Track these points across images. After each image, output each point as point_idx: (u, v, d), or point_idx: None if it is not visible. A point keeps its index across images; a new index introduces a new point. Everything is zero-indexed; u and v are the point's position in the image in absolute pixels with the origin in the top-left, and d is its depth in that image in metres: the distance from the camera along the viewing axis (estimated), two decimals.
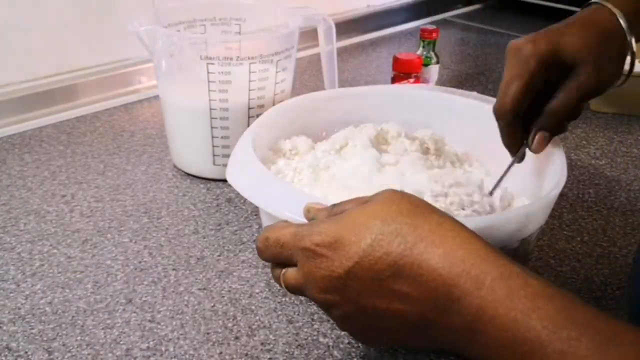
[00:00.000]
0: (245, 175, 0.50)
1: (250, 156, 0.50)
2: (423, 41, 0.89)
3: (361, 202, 0.38)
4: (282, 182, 0.48)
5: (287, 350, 0.46)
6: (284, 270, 0.40)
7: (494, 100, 0.63)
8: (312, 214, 0.41)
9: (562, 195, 0.69)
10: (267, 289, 0.52)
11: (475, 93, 0.65)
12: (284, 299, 0.51)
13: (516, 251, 0.46)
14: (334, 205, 0.40)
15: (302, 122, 0.62)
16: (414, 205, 0.35)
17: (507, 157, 0.59)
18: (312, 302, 0.48)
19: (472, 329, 0.31)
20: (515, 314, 0.30)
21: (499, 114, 0.50)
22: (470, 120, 0.62)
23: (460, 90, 0.66)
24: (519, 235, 0.46)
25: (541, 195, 0.52)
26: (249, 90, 0.64)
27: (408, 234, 0.33)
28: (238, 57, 0.62)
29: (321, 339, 0.47)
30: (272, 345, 0.46)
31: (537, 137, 0.50)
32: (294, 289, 0.39)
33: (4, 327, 0.47)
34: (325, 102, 0.65)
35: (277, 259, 0.40)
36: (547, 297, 0.30)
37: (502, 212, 0.51)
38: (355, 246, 0.34)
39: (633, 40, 0.48)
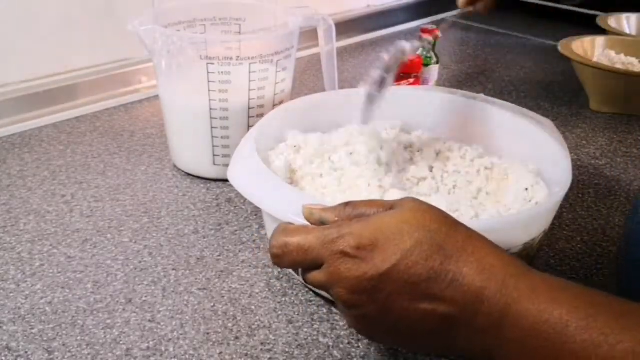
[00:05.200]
0: (247, 175, 0.50)
1: (253, 156, 0.50)
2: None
3: (382, 206, 0.38)
4: (284, 183, 0.48)
5: (287, 350, 0.46)
6: (302, 271, 0.39)
7: (501, 102, 0.63)
8: (318, 216, 0.40)
9: None
10: (267, 289, 0.52)
11: (482, 95, 0.64)
12: (283, 299, 0.51)
13: (519, 255, 0.46)
14: (345, 205, 0.40)
15: (307, 123, 0.62)
16: (443, 215, 0.37)
17: (513, 157, 0.59)
18: (311, 300, 0.48)
19: (498, 326, 0.33)
20: (540, 304, 0.32)
21: None
22: (474, 121, 0.62)
23: (461, 91, 0.66)
24: (522, 239, 0.45)
25: (545, 199, 0.52)
26: (249, 90, 0.64)
27: (446, 242, 0.35)
28: (238, 57, 0.62)
29: (321, 339, 0.47)
30: (272, 345, 0.46)
31: None
32: (317, 287, 0.39)
33: (4, 327, 0.47)
34: (330, 103, 0.65)
35: (299, 264, 0.39)
36: (564, 287, 0.34)
37: (506, 216, 0.51)
38: (395, 249, 0.35)
39: None
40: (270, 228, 0.51)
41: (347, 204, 0.40)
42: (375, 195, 0.51)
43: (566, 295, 0.33)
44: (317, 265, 0.38)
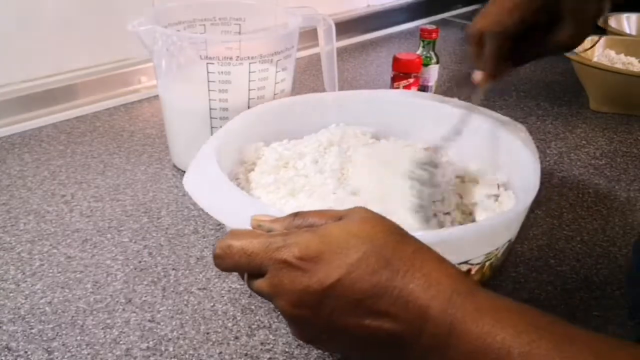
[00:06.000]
0: (203, 183, 0.48)
1: (212, 165, 0.48)
2: (423, 41, 0.89)
3: (332, 216, 0.37)
4: (241, 192, 0.46)
5: (287, 350, 0.46)
6: (247, 277, 0.38)
7: (474, 106, 0.61)
8: (267, 228, 0.38)
9: (561, 195, 0.70)
10: None
11: (455, 100, 0.63)
12: None
13: (481, 266, 0.45)
14: (294, 216, 0.38)
15: (272, 129, 0.60)
16: (393, 227, 0.36)
17: (484, 163, 0.58)
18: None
19: (444, 345, 0.32)
20: (483, 326, 0.31)
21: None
22: (447, 126, 0.61)
23: (433, 95, 0.65)
24: (483, 249, 0.44)
25: (509, 208, 0.50)
26: (249, 90, 0.64)
27: (393, 256, 0.34)
28: (238, 57, 0.62)
29: None
30: (272, 345, 0.46)
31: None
32: (260, 295, 0.38)
33: (4, 327, 0.47)
34: (297, 108, 0.63)
35: (241, 268, 0.37)
36: (509, 308, 0.33)
37: (466, 226, 0.49)
38: (340, 262, 0.34)
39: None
40: None
41: (296, 214, 0.38)
42: (334, 204, 0.50)
43: (511, 317, 0.32)
44: (260, 273, 0.36)
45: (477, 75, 0.55)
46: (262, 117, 0.60)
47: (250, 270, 0.37)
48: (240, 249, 0.36)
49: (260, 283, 0.36)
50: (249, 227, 0.39)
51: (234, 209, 0.44)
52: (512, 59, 0.55)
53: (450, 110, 0.61)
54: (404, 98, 0.67)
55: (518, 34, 0.53)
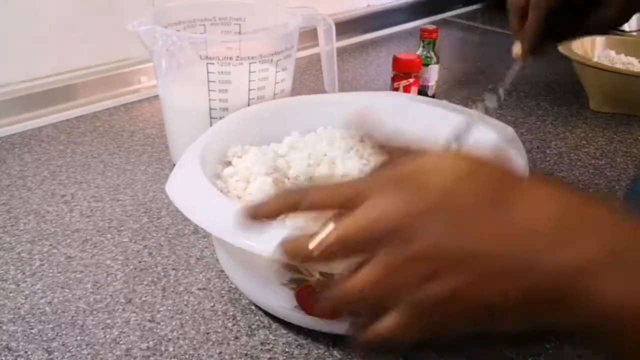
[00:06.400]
0: (187, 189, 0.46)
1: (197, 170, 0.47)
2: (423, 41, 0.89)
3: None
4: (227, 198, 0.45)
5: (287, 350, 0.46)
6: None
7: (461, 108, 0.60)
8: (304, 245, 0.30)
9: None
10: None
11: (444, 101, 0.63)
12: None
13: None
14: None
15: (257, 132, 0.59)
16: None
17: None
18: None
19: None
20: None
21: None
22: (433, 128, 0.60)
23: (421, 97, 0.64)
24: None
25: None
26: (249, 90, 0.64)
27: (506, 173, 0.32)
28: (238, 57, 0.62)
29: (321, 339, 0.47)
30: (272, 345, 0.46)
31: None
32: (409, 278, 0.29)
33: (4, 327, 0.47)
34: (282, 111, 0.62)
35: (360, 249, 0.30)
36: None
37: None
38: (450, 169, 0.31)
39: None
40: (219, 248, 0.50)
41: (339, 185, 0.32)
42: None
43: None
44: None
45: (516, 49, 0.53)
46: (249, 119, 0.59)
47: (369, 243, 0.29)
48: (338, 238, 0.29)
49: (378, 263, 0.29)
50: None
51: (218, 217, 0.42)
52: (553, 35, 0.53)
53: (430, 109, 0.60)
54: (394, 101, 0.66)
55: (562, 8, 0.51)
